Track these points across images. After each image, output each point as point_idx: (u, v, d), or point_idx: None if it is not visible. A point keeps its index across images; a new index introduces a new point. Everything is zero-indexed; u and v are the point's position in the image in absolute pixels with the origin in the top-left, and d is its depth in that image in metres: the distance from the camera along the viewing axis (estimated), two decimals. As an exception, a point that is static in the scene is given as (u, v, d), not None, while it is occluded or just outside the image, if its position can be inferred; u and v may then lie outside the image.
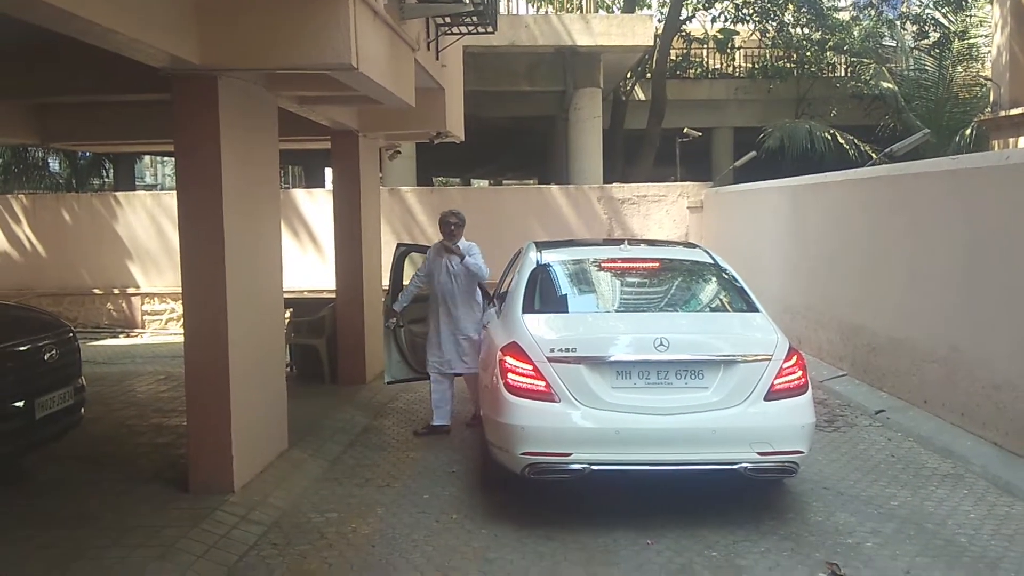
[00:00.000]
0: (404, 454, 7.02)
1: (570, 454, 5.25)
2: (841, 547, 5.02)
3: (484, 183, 42.51)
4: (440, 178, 39.23)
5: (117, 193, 16.60)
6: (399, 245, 8.34)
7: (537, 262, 6.47)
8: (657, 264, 6.77)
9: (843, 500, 5.79)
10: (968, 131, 17.29)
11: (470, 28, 8.57)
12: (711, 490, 5.82)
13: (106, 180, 25.28)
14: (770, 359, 5.40)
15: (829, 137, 19.32)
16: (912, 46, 21.49)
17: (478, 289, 7.60)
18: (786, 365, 5.42)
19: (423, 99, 8.33)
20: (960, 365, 7.00)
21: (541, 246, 6.93)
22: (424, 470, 6.57)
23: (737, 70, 26.10)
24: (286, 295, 7.48)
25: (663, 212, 15.04)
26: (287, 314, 9.61)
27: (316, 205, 14.71)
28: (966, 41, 19.94)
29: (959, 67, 19.10)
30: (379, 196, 10.89)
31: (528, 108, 20.09)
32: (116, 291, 15.14)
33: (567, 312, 6.23)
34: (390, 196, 14.67)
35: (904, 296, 7.98)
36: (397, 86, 6.57)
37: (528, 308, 5.95)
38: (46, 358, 5.98)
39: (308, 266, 14.30)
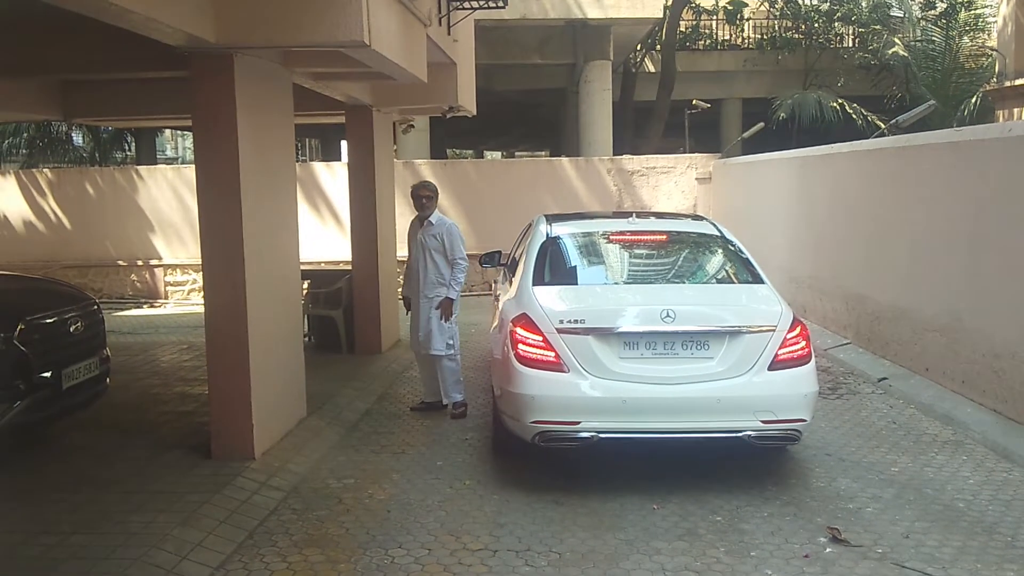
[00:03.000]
0: (418, 422, 7.19)
1: (579, 423, 5.39)
2: (842, 512, 5.15)
3: (497, 155, 42.50)
4: (454, 150, 39.23)
5: (139, 167, 16.81)
6: None
7: (547, 235, 6.58)
8: (664, 237, 6.86)
9: (845, 466, 5.93)
10: (974, 101, 17.29)
11: (482, 3, 8.62)
12: (716, 457, 5.96)
13: (128, 153, 25.45)
14: (774, 330, 5.50)
15: (838, 107, 19.32)
16: (919, 16, 21.36)
17: (460, 262, 7.27)
18: (790, 336, 5.52)
19: (435, 74, 8.41)
20: (961, 334, 7.10)
21: (551, 219, 7.03)
22: (438, 437, 6.74)
23: (746, 41, 25.95)
24: (304, 267, 7.61)
25: (672, 184, 15.11)
26: (305, 285, 9.77)
27: (335, 178, 14.86)
28: (972, 12, 19.83)
29: (965, 38, 19.04)
30: (393, 169, 11.00)
31: (539, 81, 20.13)
32: (139, 263, 15.40)
33: (576, 284, 6.34)
34: (404, 169, 14.80)
35: (908, 266, 8.07)
36: (409, 62, 6.66)
37: (538, 280, 6.07)
38: (72, 330, 6.15)
39: (328, 238, 14.49)
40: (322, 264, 12.89)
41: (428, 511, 5.26)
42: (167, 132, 34.15)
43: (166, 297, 15.36)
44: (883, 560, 4.52)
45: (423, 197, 7.28)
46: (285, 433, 6.47)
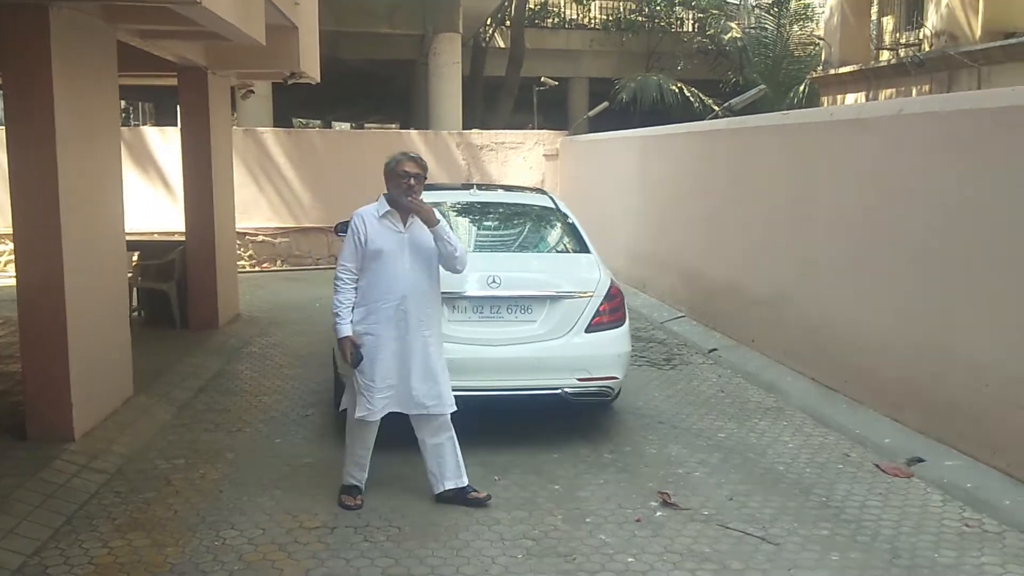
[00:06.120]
0: (256, 399, 6.98)
1: None
2: (672, 477, 5.36)
3: (346, 126, 41.62)
4: (300, 120, 38.11)
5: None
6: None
7: (389, 204, 6.55)
8: (503, 208, 7.14)
9: (676, 433, 6.19)
10: (802, 87, 18.33)
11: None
12: (556, 428, 6.10)
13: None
14: (592, 295, 5.88)
15: (677, 90, 20.06)
16: (754, 4, 22.44)
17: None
18: (607, 301, 5.90)
19: (275, 37, 8.09)
20: (785, 307, 7.52)
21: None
22: (277, 415, 6.56)
23: (593, 21, 26.53)
24: (134, 237, 7.21)
25: (520, 159, 15.25)
26: (134, 257, 9.28)
27: (169, 144, 14.04)
28: (802, 1, 20.97)
29: (795, 26, 20.13)
30: (231, 136, 10.57)
31: (388, 51, 19.83)
32: (-51, 232, 14.12)
33: None
34: (245, 136, 14.25)
35: (738, 243, 8.46)
36: (245, 22, 6.37)
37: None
38: None
39: (161, 207, 13.75)
40: (155, 235, 12.26)
41: (264, 490, 5.11)
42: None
43: (-21, 269, 14.21)
44: (709, 521, 4.73)
45: (411, 176, 4.67)
46: (109, 413, 6.13)
